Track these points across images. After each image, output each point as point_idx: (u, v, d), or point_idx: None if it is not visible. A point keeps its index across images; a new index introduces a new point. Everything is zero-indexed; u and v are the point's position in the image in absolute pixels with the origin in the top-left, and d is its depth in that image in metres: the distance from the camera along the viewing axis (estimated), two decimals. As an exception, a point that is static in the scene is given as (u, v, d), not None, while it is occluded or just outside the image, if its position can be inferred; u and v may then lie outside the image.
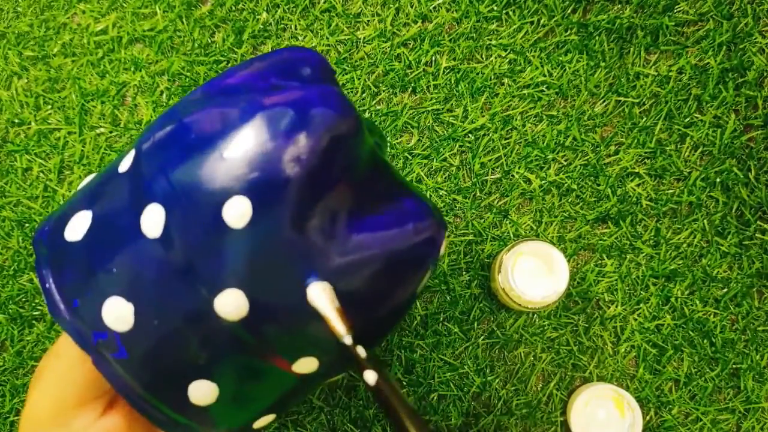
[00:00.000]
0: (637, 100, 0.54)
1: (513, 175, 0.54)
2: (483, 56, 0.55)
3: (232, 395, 0.33)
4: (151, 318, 0.31)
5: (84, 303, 0.31)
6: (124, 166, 0.33)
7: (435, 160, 0.54)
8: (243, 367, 0.32)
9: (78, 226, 0.33)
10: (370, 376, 0.29)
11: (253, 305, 0.30)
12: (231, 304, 0.30)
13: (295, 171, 0.30)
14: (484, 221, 0.54)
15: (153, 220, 0.31)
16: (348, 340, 0.30)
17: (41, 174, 0.55)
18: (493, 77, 0.55)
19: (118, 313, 0.31)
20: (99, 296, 0.31)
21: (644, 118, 0.54)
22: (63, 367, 0.33)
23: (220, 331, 0.30)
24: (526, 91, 0.54)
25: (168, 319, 0.31)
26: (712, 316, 0.52)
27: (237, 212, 0.30)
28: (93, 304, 0.31)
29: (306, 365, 0.33)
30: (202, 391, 0.32)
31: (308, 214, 0.30)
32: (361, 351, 0.30)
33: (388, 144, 0.54)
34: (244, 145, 0.30)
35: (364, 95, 0.55)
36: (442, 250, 0.34)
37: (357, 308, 0.32)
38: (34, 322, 0.54)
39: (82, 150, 0.55)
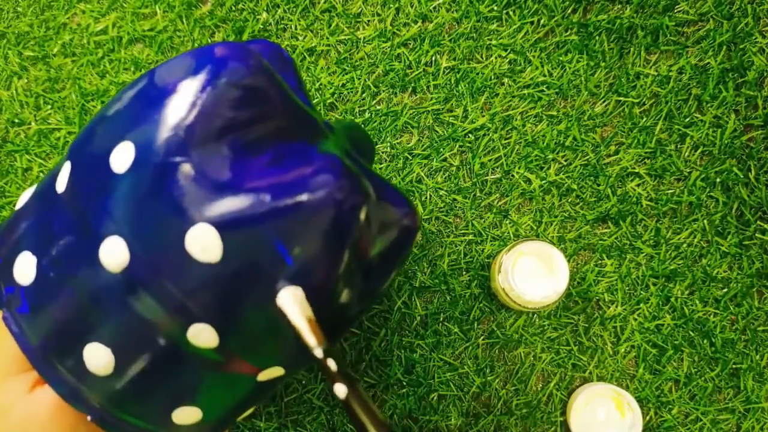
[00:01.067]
0: (637, 100, 0.54)
1: (513, 175, 0.54)
2: (483, 56, 0.55)
3: (127, 364, 0.32)
4: (48, 271, 0.31)
5: (4, 259, 0.32)
6: None
7: (435, 160, 0.54)
8: (135, 332, 0.31)
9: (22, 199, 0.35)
10: (341, 390, 0.29)
11: (134, 255, 0.30)
12: (111, 252, 0.30)
13: (179, 116, 0.30)
14: (484, 221, 0.54)
15: (62, 176, 0.32)
16: (319, 352, 0.29)
17: (41, 174, 0.55)
18: (493, 77, 0.55)
19: (24, 267, 0.31)
20: (14, 252, 0.32)
21: (644, 118, 0.54)
22: None
23: (108, 287, 0.30)
24: (526, 91, 0.54)
25: (62, 272, 0.31)
26: (712, 316, 0.52)
27: (121, 157, 0.30)
28: (9, 260, 0.32)
29: (199, 337, 0.32)
30: (97, 358, 0.31)
31: (194, 160, 0.30)
32: (332, 364, 0.29)
33: (390, 144, 0.54)
34: (132, 95, 0.32)
35: (364, 95, 0.55)
36: (361, 215, 0.32)
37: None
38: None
39: (82, 150, 0.55)
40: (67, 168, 0.32)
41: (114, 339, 0.31)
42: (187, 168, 0.30)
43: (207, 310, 0.30)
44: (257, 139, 0.31)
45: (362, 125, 0.44)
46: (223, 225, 0.29)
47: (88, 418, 0.32)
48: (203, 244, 0.29)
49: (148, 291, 0.30)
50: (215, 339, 0.31)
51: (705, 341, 0.52)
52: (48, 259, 0.31)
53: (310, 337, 0.30)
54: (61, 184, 0.32)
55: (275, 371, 0.35)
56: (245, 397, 0.36)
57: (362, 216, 0.32)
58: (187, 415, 0.34)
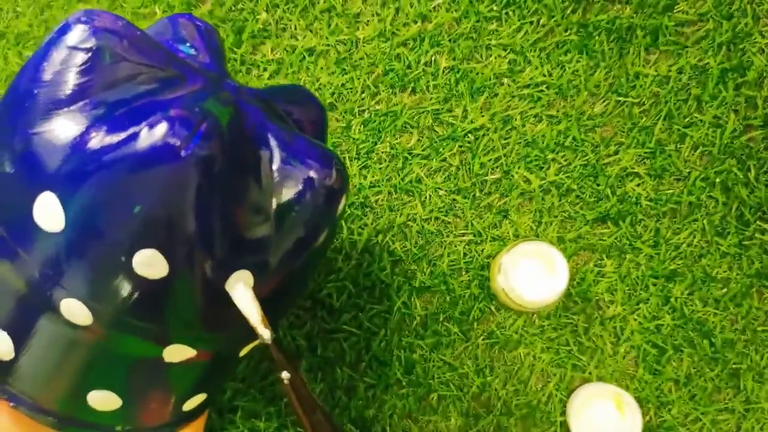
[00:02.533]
0: (637, 100, 0.54)
1: (512, 175, 0.54)
2: (482, 56, 0.55)
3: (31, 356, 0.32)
4: None
5: None
6: None
7: (434, 160, 0.54)
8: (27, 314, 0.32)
9: None
10: (285, 375, 0.29)
11: None
12: None
13: (27, 87, 0.31)
14: (483, 221, 0.54)
15: None
16: (268, 337, 0.30)
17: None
18: (492, 77, 0.55)
19: None
20: None
21: (644, 118, 0.54)
22: None
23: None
24: (525, 91, 0.54)
25: None
26: (711, 316, 0.52)
27: None
28: None
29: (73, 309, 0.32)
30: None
31: (39, 129, 0.30)
32: (277, 353, 0.29)
33: (389, 144, 0.54)
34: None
35: (363, 95, 0.55)
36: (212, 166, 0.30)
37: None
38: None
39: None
40: None
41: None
42: (35, 139, 0.30)
43: (64, 279, 0.31)
44: (104, 102, 0.31)
45: (307, 91, 0.43)
46: (61, 191, 0.30)
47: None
48: (45, 213, 0.30)
49: (7, 264, 0.31)
50: (86, 314, 0.32)
51: (705, 341, 0.52)
52: None
53: (262, 328, 0.30)
54: None
55: (180, 350, 0.35)
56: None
57: (214, 167, 0.30)
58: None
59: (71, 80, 0.30)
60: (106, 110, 0.30)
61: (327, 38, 0.55)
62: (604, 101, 0.54)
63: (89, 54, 0.30)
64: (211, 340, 0.35)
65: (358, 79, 0.55)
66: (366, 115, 0.55)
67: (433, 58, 0.55)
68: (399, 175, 0.54)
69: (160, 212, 0.29)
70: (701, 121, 0.54)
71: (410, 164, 0.54)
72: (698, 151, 0.54)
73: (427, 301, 0.53)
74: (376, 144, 0.54)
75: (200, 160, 0.29)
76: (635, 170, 0.54)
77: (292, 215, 0.34)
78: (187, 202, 0.30)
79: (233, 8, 0.56)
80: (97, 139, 0.29)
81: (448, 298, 0.53)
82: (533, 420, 0.52)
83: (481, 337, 0.53)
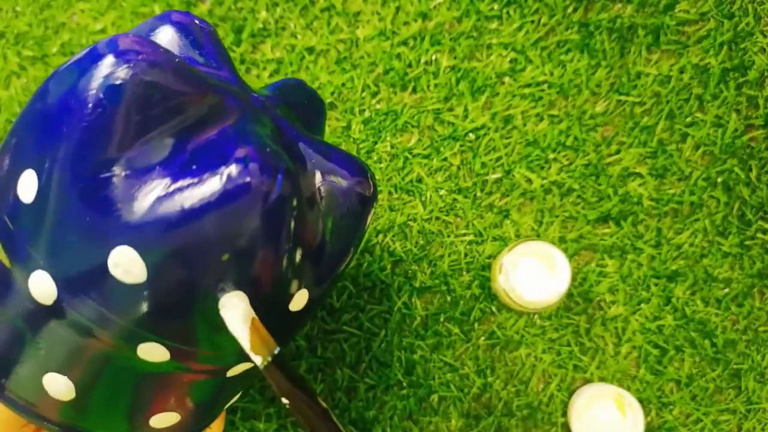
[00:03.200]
0: (639, 100, 0.54)
1: (514, 175, 0.54)
2: (483, 55, 0.55)
3: (87, 389, 0.31)
4: None
5: None
6: None
7: (435, 159, 0.54)
8: (86, 358, 0.30)
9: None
10: (285, 401, 0.28)
11: (61, 288, 0.29)
12: (39, 287, 0.29)
13: (73, 136, 0.28)
14: (484, 221, 0.53)
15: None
16: (259, 362, 0.28)
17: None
18: (493, 76, 0.54)
19: None
20: None
21: (645, 118, 0.54)
22: None
23: (44, 319, 0.30)
24: (526, 90, 0.54)
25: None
26: (713, 316, 0.52)
27: (26, 186, 0.29)
28: None
29: (152, 354, 0.31)
30: (58, 386, 0.31)
31: (95, 182, 0.28)
32: (275, 375, 0.28)
33: (390, 144, 0.54)
34: (29, 115, 0.30)
35: (363, 94, 0.55)
36: (292, 203, 0.30)
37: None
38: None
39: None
40: None
41: (67, 366, 0.30)
42: (91, 191, 0.28)
43: (150, 327, 0.29)
44: (160, 144, 0.29)
45: (304, 84, 0.42)
46: (140, 243, 0.28)
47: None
48: (125, 267, 0.28)
49: (85, 318, 0.29)
50: (166, 353, 0.31)
51: (706, 342, 0.52)
52: None
53: (249, 350, 0.28)
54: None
55: (243, 366, 0.34)
56: (217, 394, 0.35)
57: (293, 203, 0.30)
58: (164, 419, 0.34)
59: (121, 122, 0.28)
60: (166, 153, 0.29)
61: (327, 37, 0.55)
62: (605, 100, 0.54)
63: (138, 91, 0.28)
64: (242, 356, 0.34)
65: (359, 78, 0.55)
66: (366, 114, 0.55)
67: (433, 57, 0.55)
68: (399, 175, 0.54)
69: (247, 255, 0.29)
70: (703, 120, 0.54)
71: (411, 164, 0.54)
72: (700, 151, 0.54)
73: (428, 302, 0.53)
74: (376, 143, 0.54)
75: (286, 201, 0.30)
76: (637, 170, 0.53)
77: (336, 231, 0.34)
78: (274, 243, 0.30)
79: (233, 7, 0.56)
80: (172, 190, 0.28)
81: (448, 298, 0.53)
82: (534, 421, 0.52)
83: (482, 338, 0.53)
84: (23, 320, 0.30)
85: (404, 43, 0.55)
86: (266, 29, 0.55)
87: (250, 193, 0.28)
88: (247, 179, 0.28)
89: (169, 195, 0.28)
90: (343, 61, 0.55)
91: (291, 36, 0.56)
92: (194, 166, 0.29)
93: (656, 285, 0.53)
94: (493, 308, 0.53)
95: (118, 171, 0.28)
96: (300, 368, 0.52)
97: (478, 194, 0.54)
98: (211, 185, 0.28)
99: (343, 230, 0.34)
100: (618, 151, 0.54)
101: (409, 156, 0.54)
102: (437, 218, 0.54)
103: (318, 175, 0.33)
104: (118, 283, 0.28)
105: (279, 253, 0.30)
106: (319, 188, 0.33)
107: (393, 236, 0.53)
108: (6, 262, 0.30)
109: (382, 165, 0.54)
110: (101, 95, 0.27)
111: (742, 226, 0.53)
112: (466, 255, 0.53)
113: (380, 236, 0.53)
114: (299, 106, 0.39)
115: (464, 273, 0.53)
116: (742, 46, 0.54)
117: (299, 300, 0.33)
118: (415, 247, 0.53)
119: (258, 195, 0.28)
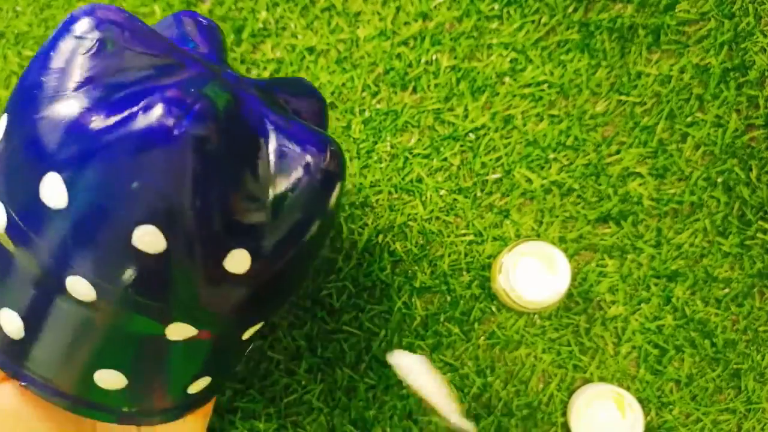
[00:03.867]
0: (639, 100, 0.54)
1: (514, 175, 0.54)
2: (484, 55, 0.55)
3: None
4: None
5: None
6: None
7: (435, 159, 0.54)
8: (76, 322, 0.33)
9: None
10: None
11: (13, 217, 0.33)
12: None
13: (36, 76, 0.33)
14: (484, 221, 0.53)
15: None
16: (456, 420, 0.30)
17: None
18: (494, 76, 0.54)
19: None
20: None
21: (646, 118, 0.54)
22: None
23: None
24: (527, 90, 0.54)
25: None
26: (713, 316, 0.52)
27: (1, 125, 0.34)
28: None
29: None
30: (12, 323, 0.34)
31: (47, 113, 0.32)
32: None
33: (390, 144, 0.54)
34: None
35: (364, 94, 0.55)
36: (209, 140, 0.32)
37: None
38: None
39: (80, 149, 0.55)
40: None
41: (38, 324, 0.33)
42: (40, 123, 0.32)
43: (74, 261, 0.32)
44: (113, 87, 0.32)
45: (303, 79, 0.44)
46: (63, 169, 0.31)
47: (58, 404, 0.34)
48: (50, 192, 0.31)
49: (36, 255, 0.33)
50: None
51: (706, 341, 0.52)
52: None
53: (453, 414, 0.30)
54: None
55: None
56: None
57: (206, 145, 0.31)
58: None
59: (76, 68, 0.32)
60: (106, 94, 0.32)
61: (327, 37, 0.55)
62: (605, 100, 0.54)
63: (94, 43, 0.32)
64: (211, 320, 0.35)
65: (359, 78, 0.55)
66: (366, 114, 0.54)
67: (434, 57, 0.55)
68: (399, 175, 0.54)
69: (156, 188, 0.31)
70: (703, 120, 0.54)
71: (411, 164, 0.54)
72: (700, 151, 0.54)
73: (428, 302, 0.53)
74: (376, 143, 0.54)
75: (192, 139, 0.31)
76: (637, 170, 0.53)
77: (287, 199, 0.35)
78: (181, 180, 0.31)
79: (233, 7, 0.56)
80: (97, 121, 0.31)
81: (448, 298, 0.53)
82: (534, 421, 0.52)
83: (482, 338, 0.53)
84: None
85: (404, 43, 0.55)
86: (266, 29, 0.55)
87: (156, 126, 0.31)
88: (156, 113, 0.31)
89: (92, 128, 0.31)
90: (343, 61, 0.55)
91: (291, 36, 0.56)
92: (124, 104, 0.32)
93: (656, 285, 0.53)
94: (493, 308, 0.53)
95: (64, 106, 0.32)
96: (300, 368, 0.53)
97: (478, 194, 0.54)
98: (124, 118, 0.31)
99: (299, 201, 0.35)
100: (618, 151, 0.54)
101: (409, 156, 0.54)
102: (437, 218, 0.54)
103: (273, 143, 0.35)
104: (46, 209, 0.32)
105: (187, 193, 0.31)
106: (270, 155, 0.34)
107: (393, 236, 0.53)
108: None
109: (382, 165, 0.54)
110: (64, 42, 0.33)
111: (742, 226, 0.53)
112: (466, 255, 0.53)
113: (380, 236, 0.53)
114: (294, 98, 0.40)
115: (464, 273, 0.53)
116: (742, 46, 0.54)
117: (237, 260, 0.34)
118: (415, 247, 0.53)
119: (163, 129, 0.31)
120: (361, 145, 0.54)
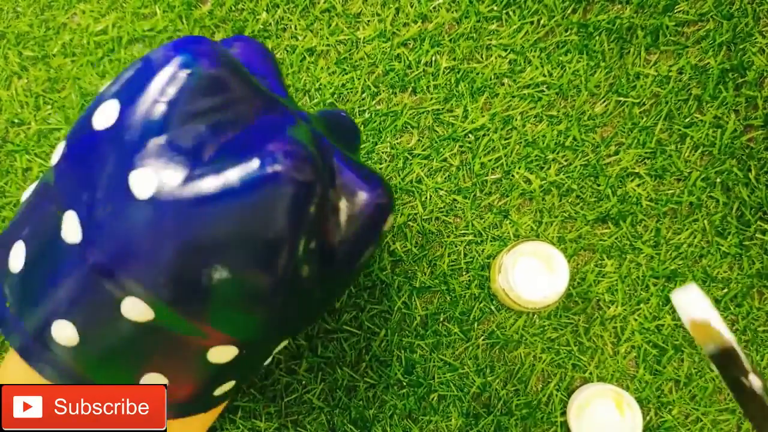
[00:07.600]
0: (637, 100, 0.54)
1: (513, 176, 0.54)
2: (483, 56, 0.55)
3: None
4: (33, 256, 0.35)
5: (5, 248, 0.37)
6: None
7: (435, 160, 0.54)
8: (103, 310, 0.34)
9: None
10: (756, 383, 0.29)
11: (89, 235, 0.34)
12: (70, 228, 0.34)
13: (154, 99, 0.34)
14: (484, 221, 0.54)
15: (56, 154, 0.37)
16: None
17: (41, 174, 0.55)
18: (493, 77, 0.55)
19: (17, 254, 0.36)
20: (11, 241, 0.37)
21: (644, 118, 0.54)
22: None
23: (73, 264, 0.34)
24: (526, 91, 0.54)
25: (42, 254, 0.35)
26: (712, 316, 0.52)
27: (104, 113, 0.35)
28: (7, 247, 0.37)
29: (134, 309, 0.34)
30: (65, 333, 0.34)
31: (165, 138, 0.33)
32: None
33: (390, 145, 0.54)
34: (125, 74, 0.36)
35: (364, 95, 0.55)
36: (317, 194, 0.34)
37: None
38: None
39: (81, 150, 0.55)
40: (61, 147, 0.36)
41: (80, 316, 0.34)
42: (155, 144, 0.33)
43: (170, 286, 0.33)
44: (222, 123, 0.34)
45: (345, 112, 0.47)
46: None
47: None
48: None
49: (121, 275, 0.33)
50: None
51: (705, 341, 0.52)
52: (33, 244, 0.35)
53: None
54: (54, 159, 0.36)
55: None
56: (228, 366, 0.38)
57: (318, 193, 0.34)
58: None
59: (193, 102, 0.34)
60: (199, 143, 0.34)
61: (327, 38, 0.55)
62: (604, 101, 0.54)
63: (208, 81, 0.34)
64: (261, 338, 0.37)
65: (359, 79, 0.55)
66: (366, 115, 0.55)
67: (433, 58, 0.55)
68: (399, 175, 0.54)
69: (269, 230, 0.33)
70: (702, 121, 0.54)
71: (411, 164, 0.54)
72: (699, 151, 0.54)
73: (428, 301, 0.53)
74: (376, 144, 0.54)
75: (310, 187, 0.33)
76: (636, 170, 0.54)
77: (351, 227, 0.37)
78: (299, 224, 0.34)
79: (233, 8, 0.56)
80: (206, 180, 0.33)
81: (448, 298, 0.53)
82: (533, 420, 0.52)
83: (482, 337, 0.53)
84: (54, 263, 0.35)
85: (404, 44, 0.55)
86: (267, 30, 0.56)
87: (277, 181, 0.32)
88: (277, 168, 0.32)
89: (188, 181, 0.32)
90: (343, 62, 0.55)
91: (291, 37, 0.56)
92: (244, 145, 0.33)
93: (655, 285, 0.53)
94: (493, 308, 0.53)
95: (158, 141, 0.33)
96: (300, 367, 0.53)
97: (478, 194, 0.54)
98: (235, 174, 0.32)
99: (359, 229, 0.37)
100: (617, 152, 0.54)
101: (409, 156, 0.54)
102: (437, 218, 0.54)
103: (340, 177, 0.37)
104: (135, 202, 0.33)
105: (297, 236, 0.34)
106: (338, 188, 0.37)
107: (393, 236, 0.54)
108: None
109: (382, 165, 0.54)
110: (176, 78, 0.34)
111: (741, 227, 0.53)
112: (465, 255, 0.53)
113: (380, 236, 0.54)
114: (338, 131, 0.42)
115: (464, 273, 0.53)
116: (741, 46, 0.54)
117: (306, 275, 0.36)
118: (415, 247, 0.53)
119: (287, 180, 0.32)
120: (362, 146, 0.54)
